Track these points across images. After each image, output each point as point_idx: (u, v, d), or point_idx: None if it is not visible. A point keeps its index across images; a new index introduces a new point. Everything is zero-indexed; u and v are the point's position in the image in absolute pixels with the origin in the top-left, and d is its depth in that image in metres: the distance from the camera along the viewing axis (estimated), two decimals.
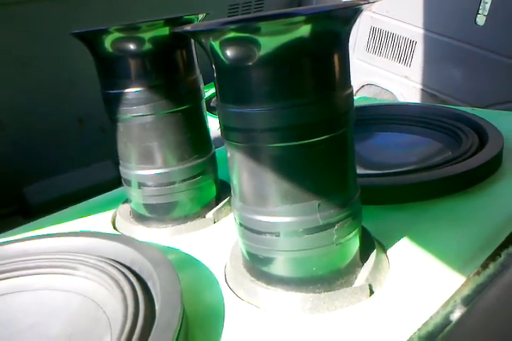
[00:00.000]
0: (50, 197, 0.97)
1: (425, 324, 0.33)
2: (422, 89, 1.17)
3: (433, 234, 0.44)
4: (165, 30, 0.45)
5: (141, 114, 0.47)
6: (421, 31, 1.14)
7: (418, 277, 0.39)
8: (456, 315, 0.33)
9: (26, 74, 0.96)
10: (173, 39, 0.46)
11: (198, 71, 0.50)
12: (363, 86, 1.29)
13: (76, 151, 1.05)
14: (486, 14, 1.02)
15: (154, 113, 0.47)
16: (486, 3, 1.01)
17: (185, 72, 0.49)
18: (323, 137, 0.33)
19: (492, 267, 0.38)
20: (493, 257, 0.39)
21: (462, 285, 0.37)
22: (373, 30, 1.25)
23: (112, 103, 0.48)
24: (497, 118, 0.65)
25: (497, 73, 1.03)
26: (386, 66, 1.24)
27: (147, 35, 0.45)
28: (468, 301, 0.35)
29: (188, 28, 0.35)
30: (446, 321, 0.33)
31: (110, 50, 0.45)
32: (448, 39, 1.09)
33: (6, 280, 0.42)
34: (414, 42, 1.16)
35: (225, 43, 0.31)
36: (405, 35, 1.18)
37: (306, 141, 0.33)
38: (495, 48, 1.02)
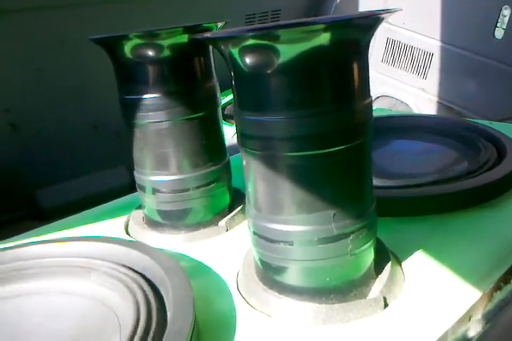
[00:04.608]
0: (63, 201, 0.97)
1: (444, 339, 0.32)
2: (438, 102, 1.16)
3: (449, 247, 0.44)
4: (184, 38, 0.46)
5: (157, 120, 0.47)
6: (438, 43, 1.14)
7: (433, 291, 0.38)
8: (477, 331, 0.33)
9: (42, 80, 0.97)
10: (191, 46, 0.47)
11: (215, 78, 0.50)
12: (378, 97, 1.29)
13: (90, 156, 1.05)
14: (505, 28, 1.01)
15: (171, 119, 0.47)
16: (505, 16, 1.00)
17: (203, 79, 0.49)
18: (341, 147, 0.33)
19: None
20: None
21: (479, 299, 0.36)
22: (389, 41, 1.25)
23: (129, 108, 0.48)
24: None
25: None
26: (402, 78, 1.24)
27: (166, 42, 0.45)
28: (491, 317, 0.34)
29: (207, 34, 0.35)
30: (468, 337, 0.32)
31: (129, 56, 0.46)
32: (465, 52, 1.09)
33: (16, 283, 0.42)
34: (430, 55, 1.16)
35: (245, 50, 0.31)
36: (422, 47, 1.18)
37: (323, 151, 0.33)
38: None
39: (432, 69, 1.16)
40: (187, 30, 0.45)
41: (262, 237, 0.37)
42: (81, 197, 0.99)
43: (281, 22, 0.36)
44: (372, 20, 0.32)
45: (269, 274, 0.38)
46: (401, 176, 0.56)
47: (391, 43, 1.25)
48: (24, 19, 0.90)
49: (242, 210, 0.53)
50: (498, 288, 0.37)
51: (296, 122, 0.32)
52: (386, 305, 0.37)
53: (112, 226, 0.56)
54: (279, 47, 0.30)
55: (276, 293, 0.38)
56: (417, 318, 0.35)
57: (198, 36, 0.35)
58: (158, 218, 0.52)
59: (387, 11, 0.32)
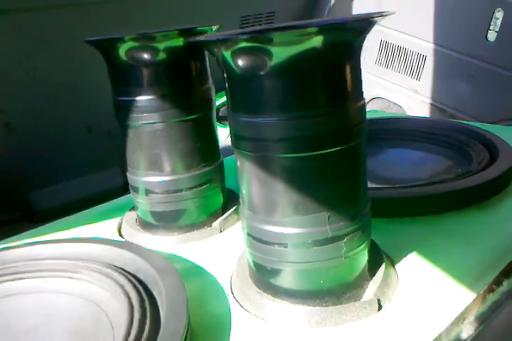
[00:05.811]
0: (56, 203, 0.97)
1: None
2: (431, 104, 1.16)
3: (443, 248, 0.44)
4: (179, 41, 0.46)
5: (151, 121, 0.47)
6: (431, 46, 1.14)
7: (427, 292, 0.38)
8: (470, 333, 0.33)
9: (37, 80, 0.97)
10: (187, 49, 0.46)
11: (210, 81, 0.50)
12: (371, 99, 1.29)
13: (84, 158, 1.05)
14: (497, 30, 1.02)
15: (165, 121, 0.47)
16: (498, 19, 1.01)
17: (198, 82, 0.49)
18: (335, 149, 0.33)
19: (506, 284, 0.37)
20: (506, 274, 0.39)
21: (473, 301, 0.36)
22: (383, 43, 1.25)
23: (123, 110, 0.48)
24: (507, 134, 0.65)
25: (507, 89, 1.03)
26: (395, 79, 1.24)
27: (161, 45, 0.45)
28: (484, 319, 0.34)
29: (200, 37, 0.35)
30: (461, 339, 0.32)
31: (124, 58, 0.45)
32: (458, 54, 1.09)
33: (9, 282, 0.41)
34: (424, 57, 1.16)
35: (237, 53, 0.31)
36: (415, 50, 1.18)
37: (317, 152, 0.33)
38: (505, 64, 1.02)
39: (425, 72, 1.17)
40: (182, 33, 0.45)
41: (256, 239, 0.37)
42: (75, 199, 0.98)
43: (274, 25, 0.36)
44: (364, 24, 0.32)
45: (263, 277, 0.38)
46: (394, 181, 0.56)
47: (384, 45, 1.25)
48: (19, 19, 0.90)
49: (236, 211, 0.53)
50: (490, 290, 0.37)
51: (288, 124, 0.32)
52: (380, 307, 0.37)
53: (105, 228, 0.55)
54: (272, 49, 0.30)
55: (270, 296, 0.38)
56: (411, 320, 0.35)
57: (191, 39, 0.35)
58: (151, 219, 0.52)
59: (380, 15, 0.32)
